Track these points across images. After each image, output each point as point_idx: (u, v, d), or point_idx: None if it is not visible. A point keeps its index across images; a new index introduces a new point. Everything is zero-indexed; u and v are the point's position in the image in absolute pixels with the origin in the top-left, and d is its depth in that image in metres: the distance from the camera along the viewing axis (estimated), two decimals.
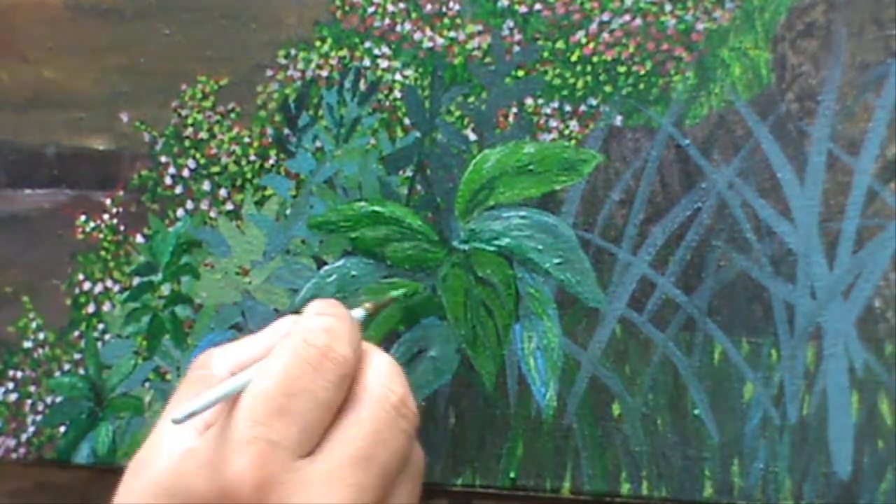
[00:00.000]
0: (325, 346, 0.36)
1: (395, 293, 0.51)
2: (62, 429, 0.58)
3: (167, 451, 0.36)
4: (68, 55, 0.58)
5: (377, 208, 0.54)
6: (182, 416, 0.35)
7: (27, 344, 0.59)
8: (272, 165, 0.56)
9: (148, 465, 0.37)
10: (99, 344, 0.58)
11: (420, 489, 0.39)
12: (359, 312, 0.43)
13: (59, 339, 0.59)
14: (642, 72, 0.51)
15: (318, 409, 0.35)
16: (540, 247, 0.51)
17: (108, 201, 0.58)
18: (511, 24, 0.52)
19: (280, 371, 0.35)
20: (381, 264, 0.53)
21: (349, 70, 0.55)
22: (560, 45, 0.52)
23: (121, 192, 0.58)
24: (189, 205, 0.57)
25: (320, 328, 0.37)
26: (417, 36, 0.54)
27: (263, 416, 0.35)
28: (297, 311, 0.41)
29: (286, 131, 0.55)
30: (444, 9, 0.53)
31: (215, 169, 0.57)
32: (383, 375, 0.37)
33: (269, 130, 0.56)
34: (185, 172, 0.57)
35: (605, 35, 0.51)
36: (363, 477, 0.35)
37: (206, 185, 0.57)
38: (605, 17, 0.51)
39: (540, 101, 0.52)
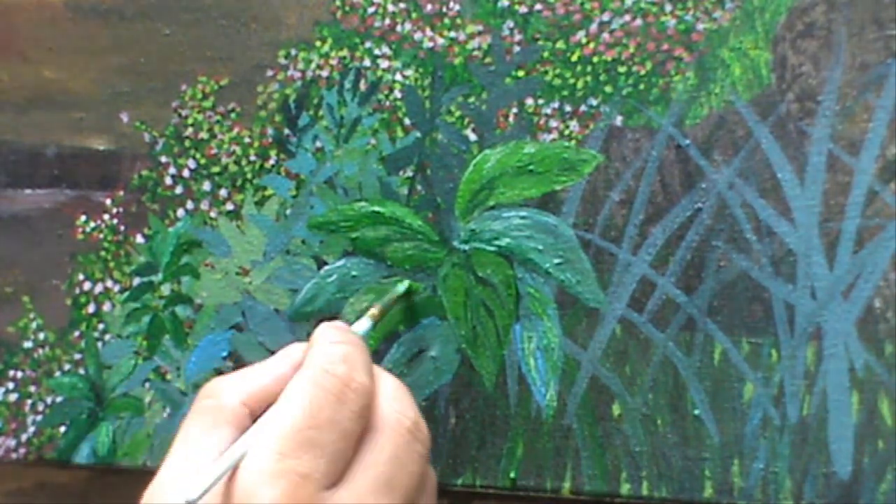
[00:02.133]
0: (346, 376, 0.36)
1: (400, 287, 0.51)
2: (62, 429, 0.58)
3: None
4: (68, 55, 0.58)
5: (377, 208, 0.54)
6: (197, 494, 0.35)
7: (27, 344, 0.59)
8: (272, 165, 0.56)
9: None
10: (99, 344, 0.58)
11: None
12: (365, 323, 0.43)
13: (59, 339, 0.59)
14: (642, 72, 0.51)
15: (343, 440, 0.35)
16: (540, 247, 0.51)
17: (108, 201, 0.58)
18: (511, 24, 0.52)
19: (305, 402, 0.35)
20: (382, 264, 0.53)
21: (349, 70, 0.55)
22: (560, 45, 0.52)
23: (121, 192, 0.58)
24: (189, 205, 0.57)
25: (339, 357, 0.37)
26: (418, 36, 0.54)
27: (291, 449, 0.34)
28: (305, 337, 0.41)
29: (286, 131, 0.56)
30: (444, 9, 0.53)
31: (215, 169, 0.57)
32: (396, 400, 0.38)
33: (270, 130, 0.56)
34: (186, 172, 0.57)
35: (606, 35, 0.51)
36: (388, 502, 0.35)
37: (206, 186, 0.57)
38: (606, 17, 0.51)
39: (540, 101, 0.52)
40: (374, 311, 0.44)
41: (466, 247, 0.52)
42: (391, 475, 0.36)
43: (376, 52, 0.54)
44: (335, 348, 0.37)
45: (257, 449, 0.35)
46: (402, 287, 0.52)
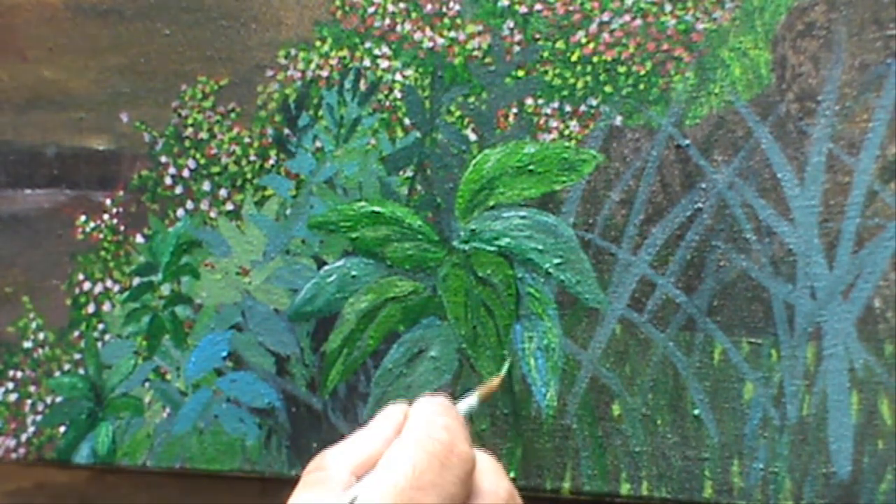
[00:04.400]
0: (449, 442, 0.37)
1: (504, 369, 0.51)
2: (62, 429, 0.58)
3: None
4: (68, 55, 0.58)
5: (377, 208, 0.54)
6: None
7: (27, 344, 0.59)
8: (272, 165, 0.56)
9: None
10: (99, 344, 0.58)
11: None
12: (472, 401, 0.43)
13: (59, 339, 0.59)
14: (642, 72, 0.51)
15: (446, 503, 0.36)
16: (540, 247, 0.51)
17: (108, 201, 0.58)
18: (511, 24, 0.52)
19: (409, 464, 0.36)
20: (382, 264, 0.53)
21: (349, 70, 0.55)
22: (560, 45, 0.52)
23: (121, 192, 0.58)
24: (189, 205, 0.57)
25: (441, 425, 0.38)
26: (417, 36, 0.54)
27: None
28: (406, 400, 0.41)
29: (286, 131, 0.56)
30: (444, 9, 0.53)
31: (215, 169, 0.57)
32: (492, 472, 0.39)
33: (270, 130, 0.56)
34: (186, 172, 0.57)
35: (606, 35, 0.51)
36: None
37: (206, 185, 0.57)
38: (606, 17, 0.51)
39: (540, 101, 0.52)
40: (481, 390, 0.44)
41: (466, 247, 0.52)
42: None
43: (376, 52, 0.54)
44: (438, 418, 0.38)
45: None
46: (506, 366, 0.51)
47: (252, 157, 0.56)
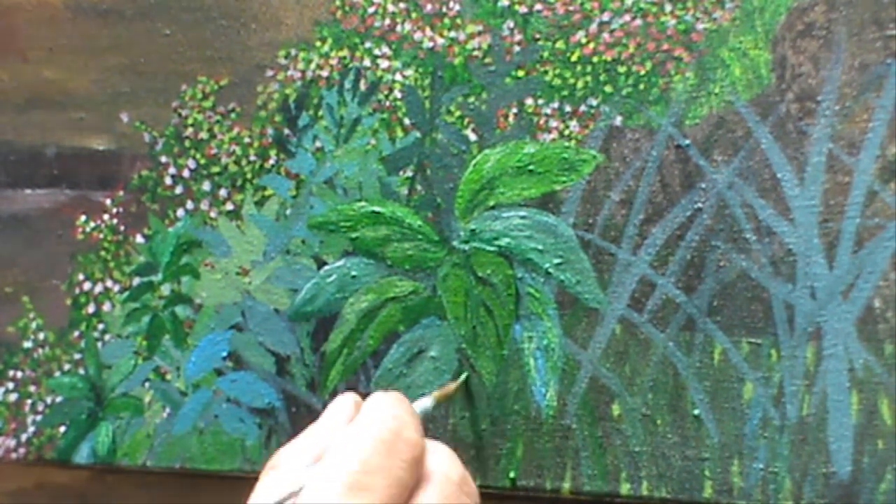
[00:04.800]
0: (397, 428, 0.38)
1: (462, 377, 0.52)
2: (62, 429, 0.58)
3: None
4: (68, 55, 0.59)
5: (377, 208, 0.54)
6: None
7: (27, 344, 0.59)
8: (272, 165, 0.56)
9: None
10: (99, 344, 0.58)
11: None
12: (427, 402, 0.45)
13: (59, 339, 0.59)
14: (642, 72, 0.51)
15: (394, 487, 0.36)
16: (540, 247, 0.51)
17: (108, 201, 0.58)
18: (511, 24, 0.52)
19: (356, 449, 0.36)
20: (382, 264, 0.53)
21: (349, 70, 0.55)
22: (560, 45, 0.52)
23: (121, 192, 0.58)
24: (189, 205, 0.57)
25: (389, 415, 0.38)
26: (418, 36, 0.54)
27: (342, 493, 0.35)
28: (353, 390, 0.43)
29: (286, 131, 0.56)
30: (444, 9, 0.53)
31: (215, 169, 0.57)
32: (444, 458, 0.39)
33: (270, 130, 0.56)
34: (186, 172, 0.57)
35: (606, 35, 0.51)
36: None
37: (206, 185, 0.57)
38: (606, 17, 0.51)
39: (540, 101, 0.52)
40: (437, 393, 0.47)
41: (466, 247, 0.52)
42: None
43: (376, 52, 0.54)
44: (387, 408, 0.39)
45: (309, 493, 0.35)
46: (464, 376, 0.52)
47: (252, 157, 0.56)
